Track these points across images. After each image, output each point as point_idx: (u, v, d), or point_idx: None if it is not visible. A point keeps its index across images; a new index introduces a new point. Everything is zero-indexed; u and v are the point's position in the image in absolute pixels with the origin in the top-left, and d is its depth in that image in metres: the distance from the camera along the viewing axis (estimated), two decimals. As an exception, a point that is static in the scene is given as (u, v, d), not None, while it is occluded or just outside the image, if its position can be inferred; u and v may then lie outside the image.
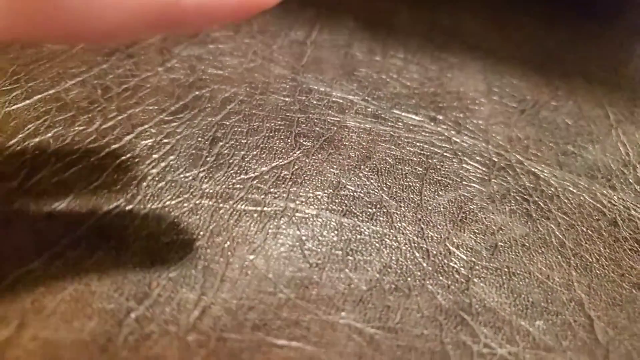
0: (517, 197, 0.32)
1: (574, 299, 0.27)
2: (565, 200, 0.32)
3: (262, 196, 0.28)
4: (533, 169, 0.34)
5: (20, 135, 0.29)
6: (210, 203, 0.27)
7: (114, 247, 0.24)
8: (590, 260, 0.29)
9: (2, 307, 0.22)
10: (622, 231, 0.31)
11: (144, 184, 0.28)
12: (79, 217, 0.25)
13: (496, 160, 0.33)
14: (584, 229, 0.31)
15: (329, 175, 0.30)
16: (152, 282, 0.23)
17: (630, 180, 0.34)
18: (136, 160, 0.29)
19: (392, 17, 0.43)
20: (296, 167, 0.30)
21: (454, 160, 0.33)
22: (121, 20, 0.20)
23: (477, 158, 0.33)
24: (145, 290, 0.23)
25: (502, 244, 0.29)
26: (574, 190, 0.33)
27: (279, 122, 0.32)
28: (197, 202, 0.27)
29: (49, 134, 0.29)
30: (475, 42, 0.43)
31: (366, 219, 0.28)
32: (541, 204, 0.32)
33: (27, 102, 0.31)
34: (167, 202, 0.27)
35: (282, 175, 0.29)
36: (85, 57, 0.34)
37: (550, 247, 0.30)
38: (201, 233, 0.26)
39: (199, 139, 0.30)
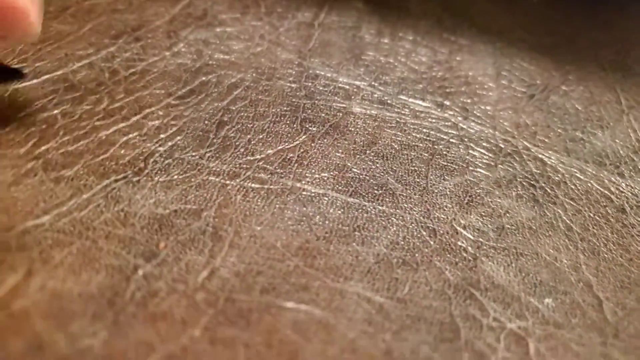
0: (524, 183, 0.31)
1: (582, 280, 0.27)
2: (572, 187, 0.32)
3: (269, 175, 0.28)
4: (540, 155, 0.33)
5: (28, 110, 0.29)
6: (218, 180, 0.27)
7: (122, 210, 0.24)
8: (598, 244, 0.29)
9: (10, 255, 0.21)
10: (630, 218, 0.31)
11: (152, 159, 0.28)
12: (86, 183, 0.25)
13: (503, 146, 0.33)
14: (591, 215, 0.31)
15: (335, 158, 0.30)
16: (160, 243, 0.23)
17: None
18: (144, 138, 0.29)
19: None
20: (302, 150, 0.30)
21: (460, 146, 0.33)
22: None
23: (484, 144, 0.33)
24: (153, 249, 0.23)
25: (509, 226, 0.29)
26: (581, 177, 0.33)
27: (285, 108, 0.32)
28: (205, 178, 0.27)
29: (57, 111, 0.29)
30: (487, 24, 0.43)
31: (372, 199, 0.28)
32: (548, 189, 0.32)
33: (35, 81, 0.31)
34: (175, 177, 0.27)
35: (288, 157, 0.29)
36: (93, 39, 0.34)
37: (557, 231, 0.29)
38: (209, 205, 0.26)
39: (206, 122, 0.30)
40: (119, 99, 0.31)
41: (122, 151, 0.28)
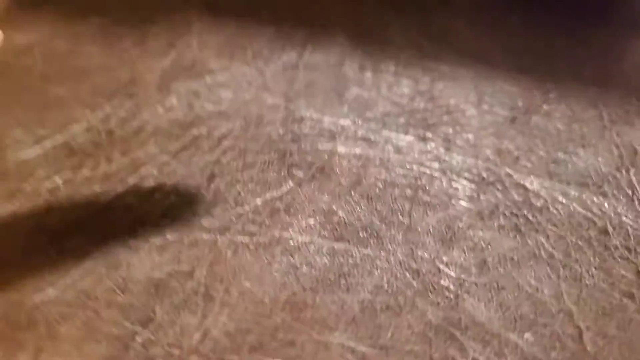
0: (506, 213, 0.33)
1: (563, 310, 0.28)
2: (555, 212, 0.33)
3: (257, 227, 0.30)
4: (522, 182, 0.35)
5: (33, 180, 0.31)
6: (209, 237, 0.29)
7: (121, 276, 0.27)
8: (580, 270, 0.30)
9: (20, 333, 0.24)
10: (612, 239, 0.32)
11: (147, 221, 0.29)
12: (88, 251, 0.27)
13: (485, 175, 0.35)
14: (574, 240, 0.32)
15: (321, 203, 0.32)
16: (156, 307, 0.25)
17: (622, 185, 0.35)
18: (140, 201, 0.30)
19: (384, 30, 0.44)
20: (289, 197, 0.32)
21: (442, 179, 0.34)
22: None
23: (466, 175, 0.34)
24: (149, 314, 0.25)
25: (490, 259, 0.30)
26: (564, 201, 0.34)
27: (273, 155, 0.34)
28: (197, 236, 0.29)
29: (59, 180, 0.31)
30: (467, 47, 0.44)
31: (357, 243, 0.30)
32: (530, 217, 0.33)
33: (39, 149, 0.33)
34: (169, 237, 0.29)
35: (275, 206, 0.31)
36: (89, 99, 0.36)
37: (539, 260, 0.30)
38: (201, 263, 0.28)
39: (197, 177, 0.32)
40: (115, 161, 0.32)
41: (120, 216, 0.30)
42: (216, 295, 0.26)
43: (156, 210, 0.30)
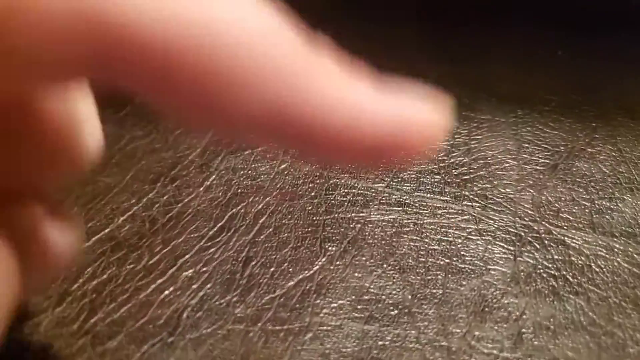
0: (544, 275, 0.32)
1: (602, 386, 0.27)
2: (597, 269, 0.32)
3: (288, 314, 0.31)
4: (563, 237, 0.33)
5: (81, 280, 0.33)
6: (241, 327, 0.30)
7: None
8: (623, 337, 0.29)
9: None
10: (661, 295, 0.31)
11: (184, 315, 0.31)
12: (127, 353, 0.29)
13: (523, 234, 0.34)
14: (617, 301, 0.31)
15: (352, 280, 0.32)
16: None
17: (676, 231, 0.33)
18: (178, 293, 0.32)
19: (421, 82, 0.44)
20: (320, 276, 0.32)
21: (478, 242, 0.34)
22: None
23: (503, 236, 0.34)
24: None
25: (524, 330, 0.30)
26: (607, 256, 0.32)
27: (307, 229, 0.35)
28: (230, 327, 0.30)
29: (105, 276, 0.33)
30: (507, 92, 0.43)
31: (387, 323, 0.30)
32: (569, 277, 0.32)
33: (86, 244, 0.35)
34: (204, 331, 0.30)
35: (307, 288, 0.32)
36: (135, 187, 0.38)
37: (578, 327, 0.30)
38: (232, 357, 0.29)
39: (233, 262, 0.33)
40: (157, 252, 0.34)
41: (159, 311, 0.31)
42: (246, 394, 0.27)
43: (193, 302, 0.32)
